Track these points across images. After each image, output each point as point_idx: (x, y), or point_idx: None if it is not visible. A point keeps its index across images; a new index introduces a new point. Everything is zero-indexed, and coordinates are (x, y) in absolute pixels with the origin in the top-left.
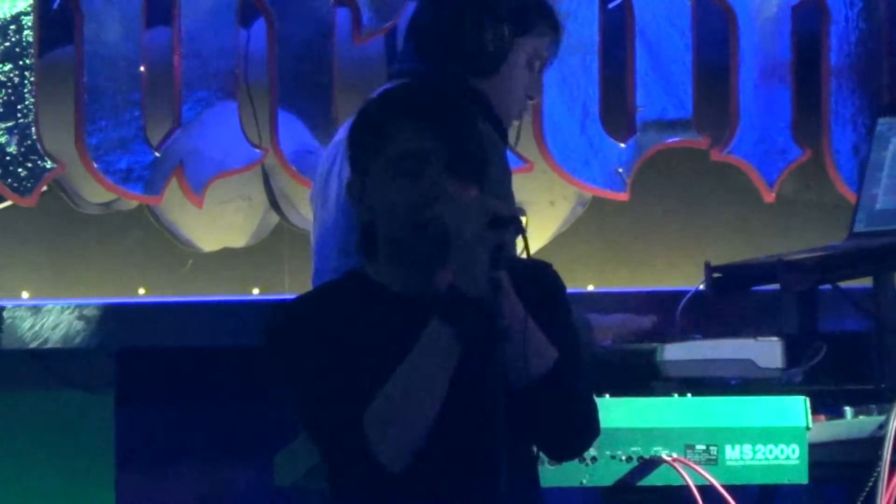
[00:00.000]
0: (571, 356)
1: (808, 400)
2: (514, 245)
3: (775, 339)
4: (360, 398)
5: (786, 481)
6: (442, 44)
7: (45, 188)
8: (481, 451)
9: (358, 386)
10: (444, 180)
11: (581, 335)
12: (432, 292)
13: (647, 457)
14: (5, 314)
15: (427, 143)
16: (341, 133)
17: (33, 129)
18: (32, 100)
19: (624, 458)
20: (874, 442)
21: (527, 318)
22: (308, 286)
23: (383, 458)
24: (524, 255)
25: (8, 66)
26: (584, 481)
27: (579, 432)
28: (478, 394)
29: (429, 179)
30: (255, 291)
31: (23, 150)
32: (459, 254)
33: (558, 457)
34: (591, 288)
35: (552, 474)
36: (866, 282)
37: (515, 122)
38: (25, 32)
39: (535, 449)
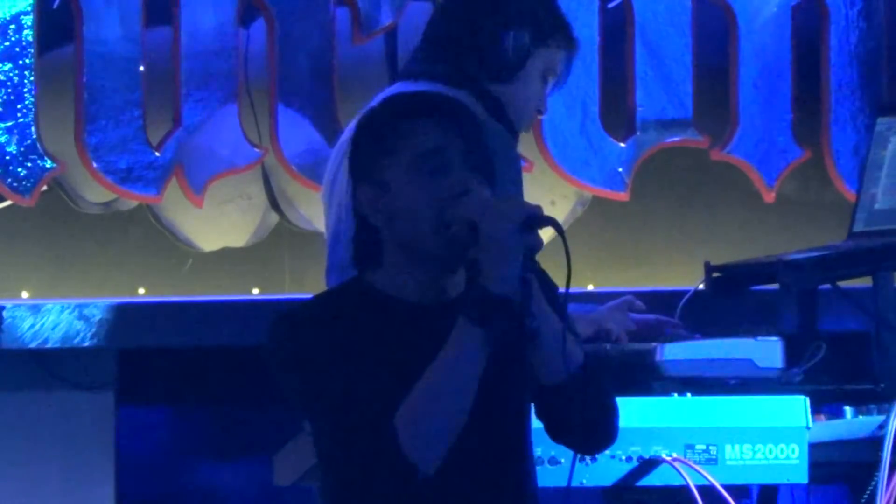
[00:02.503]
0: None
1: (808, 400)
2: (542, 246)
3: (775, 339)
4: (387, 402)
5: (786, 481)
6: (461, 48)
7: (44, 188)
8: (508, 450)
9: (373, 393)
10: (468, 178)
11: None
12: (445, 295)
13: (647, 457)
14: (5, 314)
15: (444, 141)
16: (347, 133)
17: (33, 128)
18: (32, 100)
19: (624, 458)
20: (874, 442)
21: (556, 319)
22: (308, 285)
23: (417, 460)
24: (565, 255)
25: (8, 66)
26: (584, 481)
27: (607, 426)
28: (506, 394)
29: (453, 177)
30: (255, 291)
31: (23, 149)
32: (492, 254)
33: (586, 452)
34: (591, 288)
35: (552, 474)
36: (866, 282)
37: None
38: (25, 32)
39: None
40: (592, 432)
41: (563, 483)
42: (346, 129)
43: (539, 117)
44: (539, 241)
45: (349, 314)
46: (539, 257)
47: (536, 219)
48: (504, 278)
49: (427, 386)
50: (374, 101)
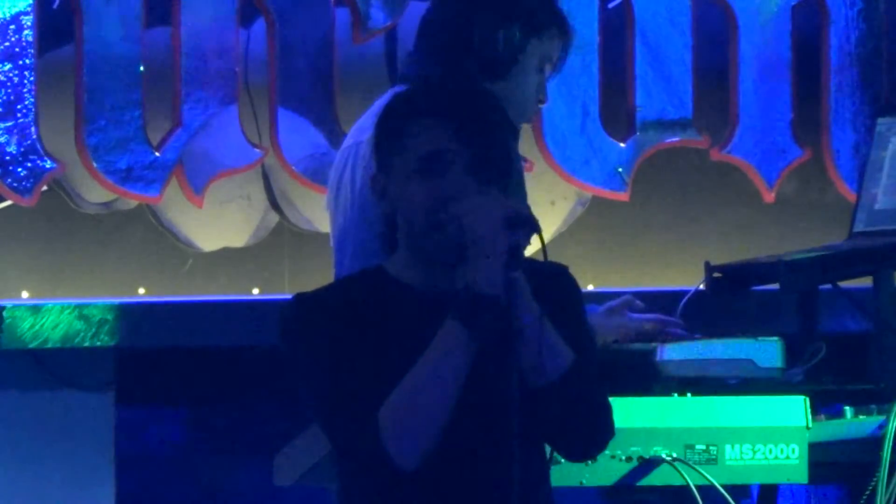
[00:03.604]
0: (587, 357)
1: (808, 400)
2: (528, 245)
3: (775, 339)
4: (375, 394)
5: (786, 481)
6: (454, 47)
7: (45, 188)
8: (495, 451)
9: (373, 382)
10: (465, 180)
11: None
12: (448, 290)
13: (647, 457)
14: (5, 314)
15: (450, 143)
16: (350, 139)
17: (33, 129)
18: (32, 100)
19: (624, 458)
20: (874, 442)
21: (543, 319)
22: (308, 285)
23: (397, 456)
24: (541, 255)
25: (8, 66)
26: (584, 481)
27: (594, 433)
28: (493, 393)
29: (450, 179)
30: (255, 291)
31: (23, 150)
32: (476, 253)
33: (573, 457)
34: (591, 288)
35: (552, 474)
36: (866, 282)
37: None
38: (25, 32)
39: (547, 450)
40: (580, 437)
41: (563, 483)
42: (347, 135)
43: (541, 106)
44: (521, 241)
45: (363, 299)
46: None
47: (517, 218)
48: (486, 276)
49: (411, 382)
50: (382, 100)
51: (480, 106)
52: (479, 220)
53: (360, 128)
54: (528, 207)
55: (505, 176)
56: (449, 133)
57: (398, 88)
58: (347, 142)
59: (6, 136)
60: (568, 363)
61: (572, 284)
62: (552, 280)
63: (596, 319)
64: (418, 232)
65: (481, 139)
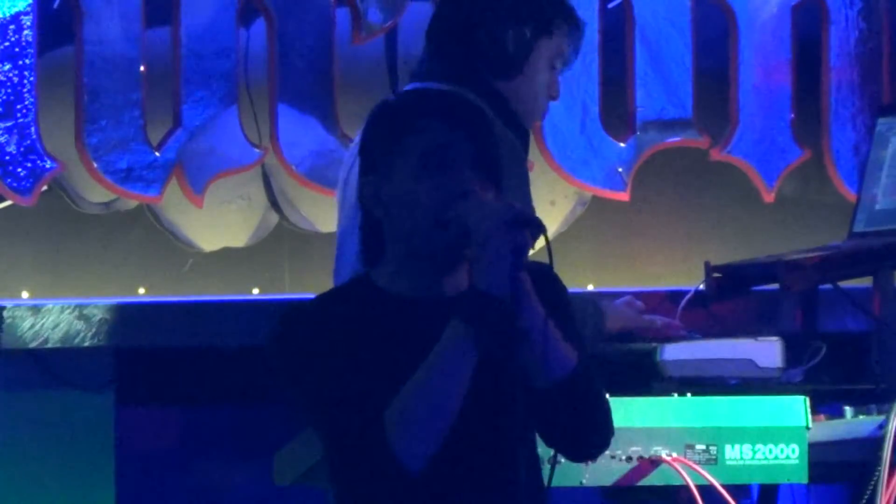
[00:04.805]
0: (585, 357)
1: (808, 400)
2: (533, 246)
3: (775, 339)
4: (378, 399)
5: (786, 481)
6: (465, 47)
7: (45, 188)
8: (498, 452)
9: (373, 388)
10: (468, 178)
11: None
12: (445, 293)
13: (647, 457)
14: (5, 314)
15: (451, 140)
16: (360, 136)
17: (33, 129)
18: (32, 100)
19: (624, 458)
20: (874, 442)
21: (548, 320)
22: (308, 285)
23: (403, 457)
24: (548, 256)
25: (8, 66)
26: (584, 481)
27: (598, 432)
28: (497, 394)
29: (453, 177)
30: (255, 291)
31: (23, 150)
32: (481, 253)
33: (576, 457)
34: (591, 288)
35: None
36: (866, 282)
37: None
38: (25, 32)
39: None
40: (582, 438)
41: (563, 483)
42: (359, 132)
43: (553, 101)
44: (527, 241)
45: (350, 312)
46: (538, 256)
47: (523, 218)
48: (492, 277)
49: (416, 383)
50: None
51: (476, 106)
52: (484, 220)
53: None
54: (534, 209)
55: (503, 177)
56: (451, 131)
57: (411, 85)
58: (358, 138)
59: (6, 136)
60: (573, 363)
61: (559, 284)
62: (539, 280)
63: (615, 307)
64: (419, 233)
65: (480, 138)
